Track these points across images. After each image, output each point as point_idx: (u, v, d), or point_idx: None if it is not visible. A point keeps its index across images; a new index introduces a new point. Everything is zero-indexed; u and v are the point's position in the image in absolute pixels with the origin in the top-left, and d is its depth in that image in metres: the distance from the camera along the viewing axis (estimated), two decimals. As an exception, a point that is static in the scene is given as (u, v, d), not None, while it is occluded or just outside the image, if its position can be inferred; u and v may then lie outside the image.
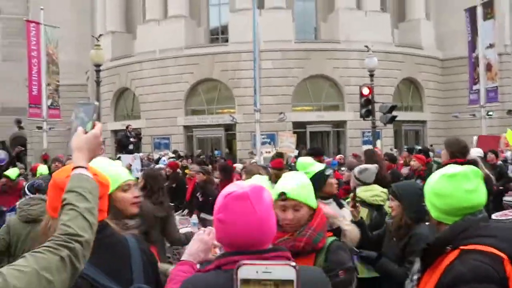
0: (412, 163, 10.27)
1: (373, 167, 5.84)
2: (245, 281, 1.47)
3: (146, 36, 30.59)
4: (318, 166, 4.69)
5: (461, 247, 2.10)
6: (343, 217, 4.05)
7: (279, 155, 8.45)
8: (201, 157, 19.48)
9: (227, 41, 29.96)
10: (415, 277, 2.35)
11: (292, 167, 11.90)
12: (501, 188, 9.62)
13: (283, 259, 1.83)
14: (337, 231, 2.84)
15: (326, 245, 2.67)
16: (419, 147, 19.50)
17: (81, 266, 1.62)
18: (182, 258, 2.18)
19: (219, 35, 31.49)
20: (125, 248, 2.16)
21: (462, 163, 3.55)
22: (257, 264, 1.46)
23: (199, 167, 9.87)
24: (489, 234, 2.11)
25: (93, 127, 2.04)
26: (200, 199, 8.51)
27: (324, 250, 2.65)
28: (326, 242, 2.68)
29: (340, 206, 4.53)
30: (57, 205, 1.81)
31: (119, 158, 15.02)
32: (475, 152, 8.85)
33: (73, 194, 1.75)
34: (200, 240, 2.22)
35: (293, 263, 1.44)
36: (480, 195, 2.22)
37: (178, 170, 12.70)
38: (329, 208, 4.42)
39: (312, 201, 2.73)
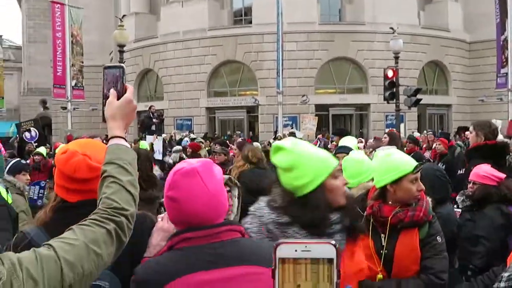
0: (436, 146, 10.16)
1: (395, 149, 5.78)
2: (282, 260, 1.44)
3: (169, 17, 30.57)
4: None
5: None
6: None
7: (292, 135, 8.46)
8: (218, 139, 19.53)
9: (250, 22, 29.77)
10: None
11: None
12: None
13: (236, 233, 1.83)
14: None
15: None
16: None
17: (127, 239, 1.61)
18: (145, 255, 2.02)
19: (242, 16, 31.29)
20: None
21: (492, 146, 3.47)
22: (296, 243, 1.43)
23: (220, 148, 9.83)
24: None
25: (124, 91, 1.97)
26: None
27: (427, 222, 2.93)
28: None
29: None
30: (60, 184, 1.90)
31: (144, 138, 15.09)
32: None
33: (114, 166, 1.71)
34: (160, 229, 2.07)
35: (333, 241, 1.41)
36: None
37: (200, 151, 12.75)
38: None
39: (387, 180, 2.99)
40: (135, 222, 1.70)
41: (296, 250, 1.43)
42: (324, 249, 1.43)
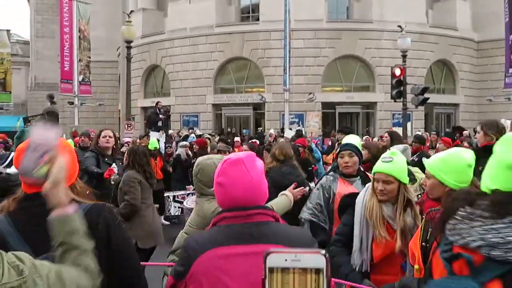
0: (438, 145, 10.15)
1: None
2: (270, 269, 1.44)
3: (177, 13, 30.61)
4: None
5: None
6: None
7: (300, 133, 8.48)
8: (222, 136, 19.62)
9: (258, 19, 29.75)
10: None
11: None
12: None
13: (268, 217, 2.14)
14: None
15: None
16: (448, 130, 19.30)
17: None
18: None
19: (250, 13, 31.27)
20: None
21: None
22: (286, 252, 1.44)
23: (224, 145, 10.20)
24: None
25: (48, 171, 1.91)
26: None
27: None
28: None
29: (365, 183, 4.43)
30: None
31: (148, 134, 15.21)
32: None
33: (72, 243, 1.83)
34: None
35: (323, 251, 1.39)
36: None
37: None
38: (346, 185, 4.40)
39: (451, 182, 2.88)
40: (91, 215, 2.05)
41: (286, 260, 1.44)
42: (313, 259, 1.42)
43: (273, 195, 4.75)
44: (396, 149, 5.89)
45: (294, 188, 4.20)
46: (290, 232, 2.14)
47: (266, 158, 6.09)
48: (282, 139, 16.34)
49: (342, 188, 4.36)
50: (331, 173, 4.70)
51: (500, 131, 5.37)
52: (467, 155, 2.94)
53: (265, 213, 2.15)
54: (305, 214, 4.69)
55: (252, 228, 2.09)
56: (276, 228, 2.13)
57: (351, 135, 6.21)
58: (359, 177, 4.59)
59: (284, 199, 3.89)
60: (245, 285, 2.02)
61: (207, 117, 29.88)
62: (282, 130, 23.01)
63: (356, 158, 4.60)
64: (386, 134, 8.74)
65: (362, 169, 4.74)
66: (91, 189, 2.43)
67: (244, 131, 26.96)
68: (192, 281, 2.10)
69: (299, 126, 23.86)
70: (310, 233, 2.43)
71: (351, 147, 4.64)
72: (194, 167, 3.76)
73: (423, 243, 2.98)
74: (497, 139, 5.12)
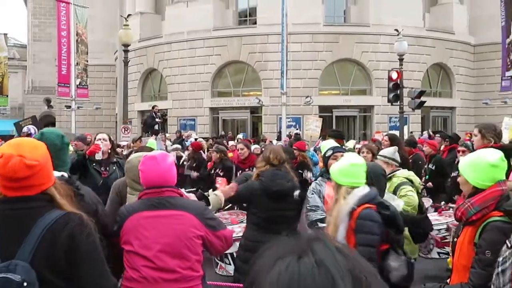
0: (424, 148, 10.23)
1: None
2: None
3: (174, 17, 30.62)
4: (325, 148, 4.76)
5: None
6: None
7: (298, 137, 8.51)
8: (218, 139, 19.67)
9: (255, 23, 29.79)
10: None
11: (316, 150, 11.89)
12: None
13: (175, 193, 3.28)
14: (510, 212, 2.93)
15: (486, 222, 2.95)
16: (431, 132, 19.58)
17: None
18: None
19: (247, 17, 31.31)
20: (27, 224, 2.15)
21: (496, 148, 3.49)
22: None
23: (215, 147, 10.96)
24: None
25: None
26: (221, 174, 9.33)
27: (481, 226, 2.96)
28: (488, 219, 2.95)
29: None
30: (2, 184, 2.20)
31: (140, 138, 15.12)
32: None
33: None
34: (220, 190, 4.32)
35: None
36: None
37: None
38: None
39: (472, 179, 3.07)
40: (59, 223, 2.18)
41: None
42: None
43: (262, 198, 4.79)
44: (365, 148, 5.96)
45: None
46: (189, 202, 3.34)
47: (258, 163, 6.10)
48: (280, 143, 16.34)
49: (330, 190, 4.41)
50: (319, 178, 4.75)
51: (497, 134, 5.39)
52: (491, 156, 3.06)
53: (172, 190, 3.29)
54: (317, 215, 4.77)
55: (164, 199, 3.22)
56: (180, 200, 3.28)
57: (329, 140, 6.20)
58: None
59: (213, 198, 4.33)
60: (156, 235, 3.13)
61: (204, 120, 29.87)
62: (280, 133, 23.04)
63: None
64: (386, 138, 8.75)
65: None
66: (74, 193, 2.49)
67: (240, 134, 26.99)
68: (124, 234, 3.20)
69: (297, 129, 23.86)
70: (204, 203, 3.67)
71: (343, 150, 4.71)
72: (125, 164, 4.38)
73: (455, 239, 3.23)
74: (494, 142, 5.16)
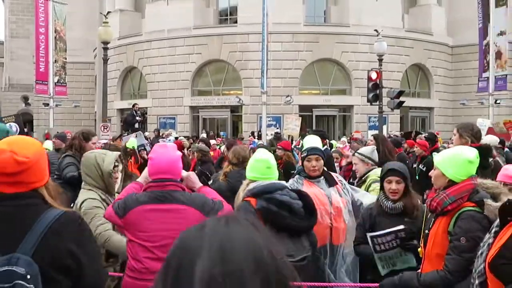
0: (415, 149, 10.34)
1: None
2: None
3: (154, 15, 30.43)
4: (306, 146, 4.79)
5: None
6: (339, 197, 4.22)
7: (278, 136, 8.53)
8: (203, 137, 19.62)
9: (236, 22, 29.77)
10: (493, 230, 2.71)
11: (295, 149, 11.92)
12: None
13: (178, 187, 3.37)
14: (481, 203, 3.17)
15: (460, 211, 3.17)
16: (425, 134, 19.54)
17: None
18: (137, 180, 3.75)
19: (228, 16, 31.27)
20: (28, 221, 2.18)
21: (476, 148, 3.59)
22: None
23: (193, 146, 11.02)
24: None
25: None
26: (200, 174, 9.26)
27: (456, 215, 3.17)
28: (462, 209, 3.17)
29: (330, 184, 4.67)
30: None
31: (120, 136, 15.03)
32: (491, 139, 8.86)
33: None
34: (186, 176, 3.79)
35: None
36: None
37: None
38: (313, 186, 4.50)
39: (450, 174, 3.26)
40: (60, 223, 2.20)
41: None
42: None
43: (229, 199, 4.82)
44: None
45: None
46: (191, 197, 3.42)
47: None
48: (260, 142, 16.38)
49: (307, 188, 4.45)
50: (297, 176, 4.79)
51: (474, 134, 5.47)
52: (469, 153, 3.30)
53: (176, 184, 3.39)
54: None
55: (167, 193, 3.32)
56: (183, 194, 3.38)
57: (311, 136, 6.20)
58: (323, 177, 4.70)
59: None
60: (160, 227, 3.25)
61: (184, 119, 29.76)
62: (259, 133, 23.07)
63: (322, 162, 4.73)
64: (372, 138, 8.85)
65: (325, 169, 4.86)
66: (61, 189, 2.55)
67: (221, 133, 26.95)
68: (127, 225, 3.34)
69: (277, 128, 23.91)
70: (206, 196, 3.57)
71: (318, 151, 4.75)
72: (82, 158, 4.45)
73: (426, 231, 3.42)
74: (471, 142, 5.24)
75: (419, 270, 3.43)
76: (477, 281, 2.71)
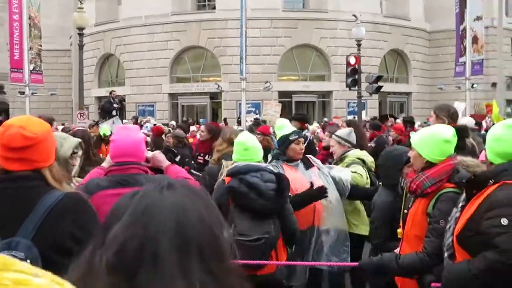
0: (390, 133, 10.44)
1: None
2: None
3: (131, 1, 30.05)
4: (287, 130, 4.76)
5: (503, 181, 2.56)
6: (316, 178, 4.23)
7: (258, 122, 8.50)
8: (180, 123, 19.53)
9: (214, 8, 29.55)
10: (460, 204, 2.76)
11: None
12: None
13: (140, 170, 3.18)
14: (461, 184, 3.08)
15: (440, 193, 3.13)
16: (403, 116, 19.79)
17: None
18: (102, 164, 3.60)
19: (206, 1, 31.01)
20: (29, 202, 2.17)
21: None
22: None
23: (181, 131, 10.86)
24: None
25: None
26: (177, 159, 9.31)
27: (435, 197, 3.13)
28: (442, 191, 3.13)
29: (308, 167, 4.68)
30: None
31: (97, 123, 14.77)
32: (467, 121, 8.93)
33: None
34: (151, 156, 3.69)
35: None
36: None
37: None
38: (293, 171, 4.49)
39: (426, 154, 3.20)
40: (63, 203, 2.19)
41: None
42: None
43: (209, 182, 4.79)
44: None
45: None
46: (154, 178, 3.17)
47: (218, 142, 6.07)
48: (240, 128, 16.34)
49: (288, 173, 4.42)
50: (274, 161, 4.76)
51: (451, 115, 5.51)
52: (445, 132, 3.24)
53: (138, 167, 3.22)
54: None
55: (129, 176, 3.14)
56: (146, 177, 3.17)
57: (283, 119, 6.15)
58: (300, 160, 4.70)
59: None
60: None
61: (163, 106, 29.57)
62: (239, 119, 23.02)
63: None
64: (344, 124, 8.88)
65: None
66: (66, 173, 2.61)
67: (201, 120, 26.83)
68: None
69: (256, 114, 23.89)
70: (169, 178, 3.33)
71: (303, 134, 4.76)
72: None
73: (405, 211, 3.41)
74: (448, 123, 5.27)
75: (398, 251, 3.42)
76: (446, 254, 2.75)
